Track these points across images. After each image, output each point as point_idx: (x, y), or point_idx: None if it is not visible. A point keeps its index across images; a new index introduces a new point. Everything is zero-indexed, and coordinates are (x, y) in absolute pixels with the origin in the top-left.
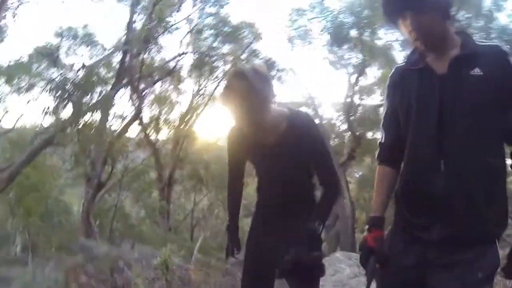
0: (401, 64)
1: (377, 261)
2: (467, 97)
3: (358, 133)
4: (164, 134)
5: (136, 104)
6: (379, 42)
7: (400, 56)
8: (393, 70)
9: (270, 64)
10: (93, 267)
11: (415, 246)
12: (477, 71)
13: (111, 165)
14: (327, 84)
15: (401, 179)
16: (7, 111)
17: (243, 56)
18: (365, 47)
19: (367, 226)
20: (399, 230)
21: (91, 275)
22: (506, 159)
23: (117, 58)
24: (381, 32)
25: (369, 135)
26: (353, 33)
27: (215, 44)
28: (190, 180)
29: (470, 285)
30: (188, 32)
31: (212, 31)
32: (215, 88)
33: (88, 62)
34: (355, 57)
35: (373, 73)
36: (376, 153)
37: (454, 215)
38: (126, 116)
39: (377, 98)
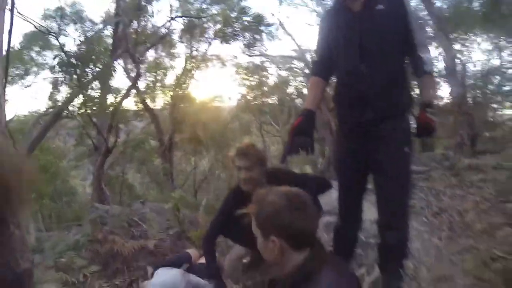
0: (330, 7)
1: (295, 132)
2: (376, 25)
3: None
4: (161, 100)
5: (135, 72)
6: None
7: None
8: (325, 11)
9: (259, 19)
10: (111, 224)
11: (354, 132)
12: (380, 6)
13: (116, 132)
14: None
15: (337, 87)
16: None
17: (233, 15)
18: None
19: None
20: (341, 124)
21: (110, 231)
22: (405, 62)
23: (108, 31)
24: None
25: None
26: None
27: (204, 6)
28: (189, 143)
29: (395, 149)
30: None
31: None
32: (207, 49)
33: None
34: None
35: None
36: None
37: (376, 102)
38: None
39: None
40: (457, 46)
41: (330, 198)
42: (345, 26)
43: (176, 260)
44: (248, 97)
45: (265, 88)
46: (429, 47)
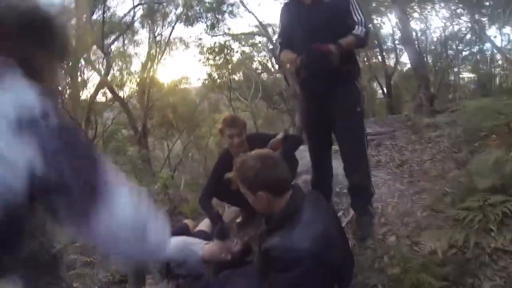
0: (286, 2)
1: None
2: (324, 15)
3: None
4: (128, 88)
5: (104, 63)
6: None
7: None
8: (282, 6)
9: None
10: None
11: (314, 99)
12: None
13: (95, 124)
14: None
15: (297, 62)
16: None
17: None
18: None
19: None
20: (304, 93)
21: None
22: None
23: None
24: None
25: None
26: None
27: None
28: (161, 127)
29: (348, 110)
30: None
31: None
32: (170, 33)
33: None
34: None
35: None
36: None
37: (329, 74)
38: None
39: None
40: (416, 15)
41: (305, 160)
42: (300, 17)
43: (176, 231)
44: (214, 76)
45: (230, 66)
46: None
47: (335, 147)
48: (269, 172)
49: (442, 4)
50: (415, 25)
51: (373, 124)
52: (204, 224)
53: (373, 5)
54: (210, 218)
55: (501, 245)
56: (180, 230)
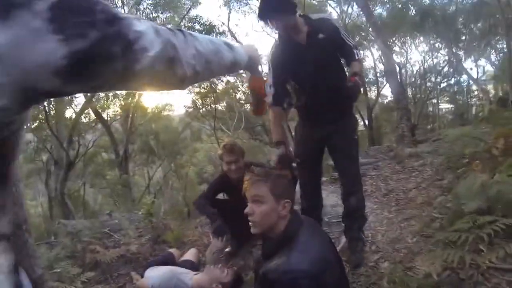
0: (277, 43)
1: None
2: (321, 50)
3: None
4: (112, 110)
5: None
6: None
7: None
8: (272, 47)
9: (210, 28)
10: (84, 237)
11: (317, 128)
12: (321, 35)
13: (78, 143)
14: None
15: (300, 99)
16: None
17: (183, 23)
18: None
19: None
20: (305, 123)
21: (89, 242)
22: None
23: None
24: None
25: None
26: None
27: (153, 15)
28: (142, 153)
29: (348, 137)
30: (125, 5)
31: (150, 1)
32: None
33: None
34: None
35: None
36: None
37: (330, 104)
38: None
39: None
40: (397, 48)
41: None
42: (298, 54)
43: (162, 259)
44: (198, 105)
45: (214, 95)
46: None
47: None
48: (287, 182)
49: (422, 39)
50: (396, 58)
51: None
52: (191, 254)
53: (357, 39)
54: (207, 215)
55: (492, 263)
56: (165, 259)
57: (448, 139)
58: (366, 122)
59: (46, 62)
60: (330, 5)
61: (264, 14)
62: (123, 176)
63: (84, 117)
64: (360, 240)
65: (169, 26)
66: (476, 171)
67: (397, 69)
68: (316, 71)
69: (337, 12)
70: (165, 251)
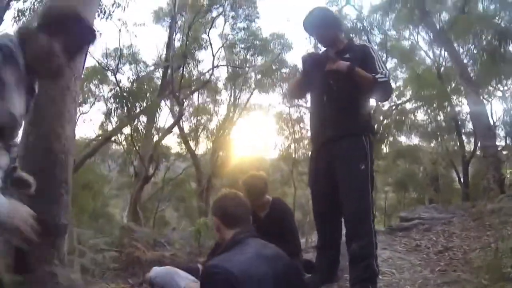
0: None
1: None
2: None
3: None
4: (204, 145)
5: (177, 111)
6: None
7: None
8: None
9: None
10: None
11: (320, 152)
12: (348, 55)
13: (157, 163)
14: None
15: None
16: None
17: (274, 67)
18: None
19: None
20: (312, 153)
21: (135, 239)
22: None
23: (159, 73)
24: None
25: None
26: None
27: (247, 57)
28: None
29: (351, 164)
30: (220, 47)
31: (243, 44)
32: (249, 98)
33: (133, 78)
34: None
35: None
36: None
37: (334, 123)
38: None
39: None
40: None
41: None
42: (320, 66)
43: (186, 268)
44: (288, 149)
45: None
46: None
47: None
48: (227, 203)
49: None
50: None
51: (431, 209)
52: None
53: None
54: None
55: None
56: (189, 269)
57: None
58: (461, 177)
59: None
60: (421, 47)
61: (306, 26)
62: (200, 204)
63: (178, 144)
64: None
65: None
66: None
67: (486, 109)
68: (327, 84)
69: (430, 58)
70: (195, 263)
